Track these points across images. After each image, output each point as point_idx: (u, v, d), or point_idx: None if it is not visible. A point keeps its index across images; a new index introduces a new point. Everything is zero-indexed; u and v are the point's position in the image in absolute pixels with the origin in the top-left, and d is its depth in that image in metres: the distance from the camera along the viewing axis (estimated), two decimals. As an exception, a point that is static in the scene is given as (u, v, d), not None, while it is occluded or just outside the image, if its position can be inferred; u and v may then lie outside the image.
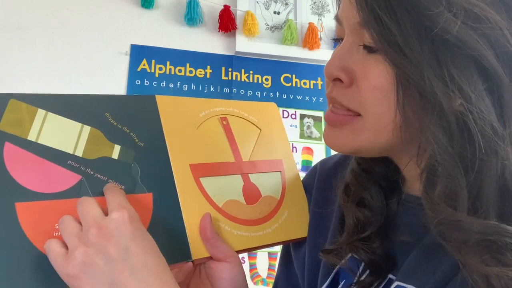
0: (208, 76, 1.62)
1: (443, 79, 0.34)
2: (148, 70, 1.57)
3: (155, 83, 1.57)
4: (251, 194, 0.55)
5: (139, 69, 1.57)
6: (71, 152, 0.47)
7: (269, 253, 1.52)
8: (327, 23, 1.75)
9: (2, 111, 0.45)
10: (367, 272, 0.45)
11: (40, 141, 0.46)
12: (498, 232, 0.33)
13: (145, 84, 1.56)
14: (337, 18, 0.43)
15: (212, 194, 0.52)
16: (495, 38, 0.34)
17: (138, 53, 1.58)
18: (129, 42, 1.58)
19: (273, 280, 1.56)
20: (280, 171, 0.60)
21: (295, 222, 0.56)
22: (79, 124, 0.49)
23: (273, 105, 0.66)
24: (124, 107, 0.52)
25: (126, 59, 1.56)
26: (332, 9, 1.77)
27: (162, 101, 0.55)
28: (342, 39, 0.42)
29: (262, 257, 1.51)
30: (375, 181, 0.48)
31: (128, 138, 0.50)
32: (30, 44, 1.49)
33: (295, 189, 0.60)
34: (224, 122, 0.59)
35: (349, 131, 0.41)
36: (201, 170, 0.53)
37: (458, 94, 0.34)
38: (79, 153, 0.47)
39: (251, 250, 0.54)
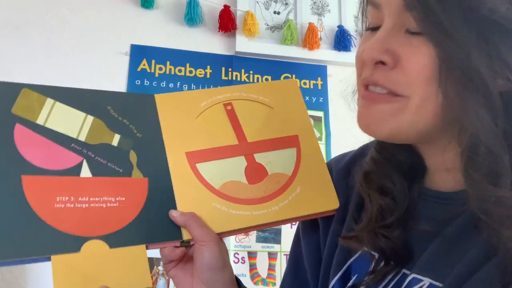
0: (208, 76, 1.62)
1: (489, 59, 0.35)
2: (148, 70, 1.57)
3: (155, 83, 1.57)
4: (255, 173, 0.56)
5: (139, 69, 1.57)
6: (74, 136, 0.52)
7: (269, 253, 1.52)
8: (327, 23, 1.75)
9: (15, 98, 0.51)
10: (381, 265, 0.45)
11: (47, 125, 0.51)
12: None
13: (145, 84, 1.56)
14: (373, 3, 0.42)
15: (209, 178, 0.55)
16: None
17: (138, 53, 1.58)
18: (129, 42, 1.58)
19: (273, 280, 1.56)
20: (295, 147, 0.59)
21: (312, 197, 0.56)
22: (84, 114, 0.54)
23: (291, 81, 0.66)
24: (125, 102, 0.57)
25: (126, 59, 1.56)
26: (332, 9, 1.77)
27: (160, 98, 0.59)
28: (376, 27, 0.42)
29: (262, 257, 1.51)
30: (396, 168, 0.47)
31: (127, 129, 0.55)
32: (30, 44, 1.49)
33: (313, 164, 0.58)
34: (228, 107, 0.60)
35: (390, 110, 0.40)
36: (197, 157, 0.56)
37: (504, 72, 0.34)
38: (82, 138, 0.52)
39: (254, 229, 0.55)
